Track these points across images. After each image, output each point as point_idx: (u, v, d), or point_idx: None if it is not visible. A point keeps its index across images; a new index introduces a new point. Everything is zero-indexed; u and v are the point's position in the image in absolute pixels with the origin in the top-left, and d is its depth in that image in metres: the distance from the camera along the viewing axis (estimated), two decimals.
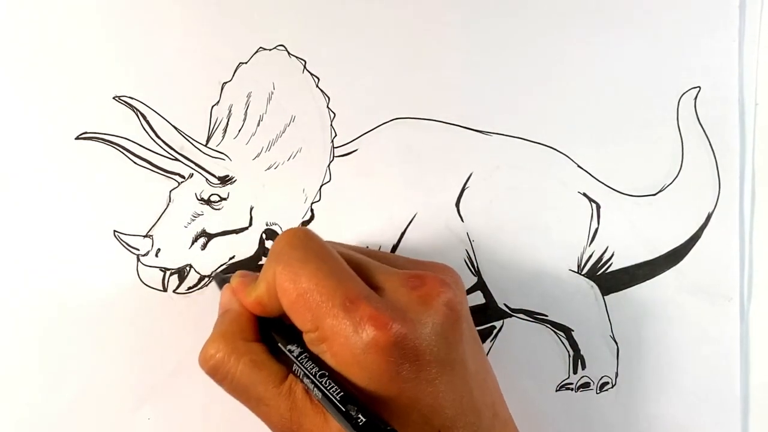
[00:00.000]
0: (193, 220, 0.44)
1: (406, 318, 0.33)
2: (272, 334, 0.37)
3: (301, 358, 0.34)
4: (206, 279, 0.44)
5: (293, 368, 0.34)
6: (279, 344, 0.36)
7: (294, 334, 0.35)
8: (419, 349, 0.32)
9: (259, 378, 0.35)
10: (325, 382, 0.32)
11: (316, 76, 0.45)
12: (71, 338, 0.43)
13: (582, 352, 0.47)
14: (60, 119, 0.43)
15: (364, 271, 0.36)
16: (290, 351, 0.35)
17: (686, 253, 0.48)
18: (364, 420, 0.29)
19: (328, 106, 0.45)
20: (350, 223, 0.45)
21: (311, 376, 0.33)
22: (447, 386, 0.33)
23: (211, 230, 0.44)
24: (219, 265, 0.44)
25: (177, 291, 0.44)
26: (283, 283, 0.34)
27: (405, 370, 0.32)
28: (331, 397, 0.31)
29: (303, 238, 0.35)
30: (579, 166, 0.47)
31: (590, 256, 0.48)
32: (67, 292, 0.43)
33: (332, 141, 0.45)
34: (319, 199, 0.45)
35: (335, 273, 0.34)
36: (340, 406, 0.30)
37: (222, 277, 0.44)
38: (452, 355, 0.34)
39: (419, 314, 0.33)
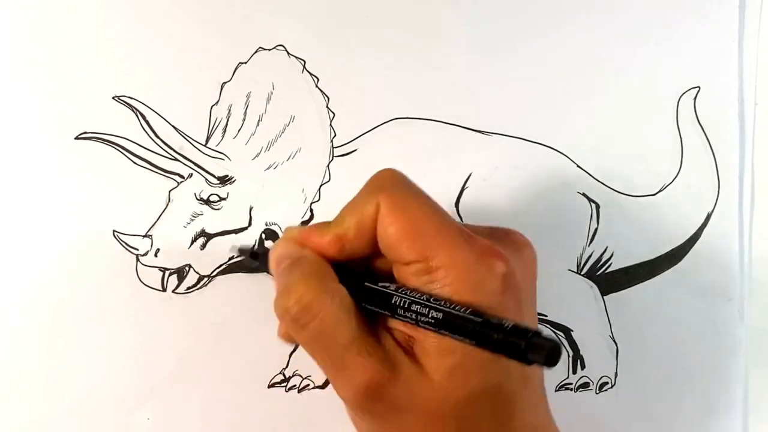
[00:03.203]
0: (193, 220, 0.44)
1: (511, 261, 0.32)
2: (353, 276, 0.34)
3: (403, 290, 0.31)
4: (205, 279, 0.44)
5: (393, 300, 0.31)
6: (366, 284, 0.33)
7: (369, 277, 0.33)
8: (520, 289, 0.32)
9: (353, 319, 0.32)
10: (444, 303, 0.30)
11: (316, 76, 0.45)
12: (71, 338, 0.43)
13: (582, 352, 0.47)
14: (60, 119, 0.43)
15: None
16: (385, 287, 0.32)
17: (686, 253, 0.48)
18: (511, 324, 0.27)
19: (327, 106, 0.45)
20: None
21: (423, 302, 0.30)
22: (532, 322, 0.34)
23: (210, 230, 0.44)
24: (218, 265, 0.44)
25: (176, 291, 0.44)
26: (391, 212, 0.32)
27: (511, 301, 0.32)
28: (457, 313, 0.29)
29: (404, 176, 0.34)
30: (579, 166, 0.47)
31: (590, 256, 0.48)
32: (66, 292, 0.43)
33: (332, 141, 0.45)
34: (319, 199, 0.45)
35: (441, 209, 0.33)
36: (473, 318, 0.28)
37: (248, 249, 0.43)
38: (532, 303, 0.35)
39: (512, 258, 0.33)
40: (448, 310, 0.29)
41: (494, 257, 0.31)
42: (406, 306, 0.31)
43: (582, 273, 0.48)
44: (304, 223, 0.45)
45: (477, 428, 0.32)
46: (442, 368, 0.31)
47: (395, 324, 0.32)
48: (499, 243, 0.33)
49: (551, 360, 0.26)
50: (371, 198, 0.33)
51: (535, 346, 0.27)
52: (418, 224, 0.32)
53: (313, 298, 0.32)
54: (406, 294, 0.31)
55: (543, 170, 0.47)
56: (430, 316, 0.30)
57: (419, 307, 0.30)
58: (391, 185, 0.34)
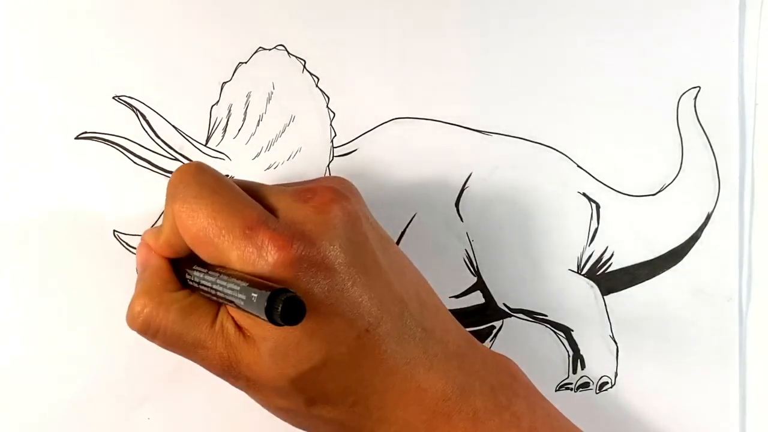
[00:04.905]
0: None
1: (305, 233, 0.33)
2: (181, 267, 0.37)
3: (207, 278, 0.34)
4: None
5: (204, 287, 0.34)
6: (186, 275, 0.36)
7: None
8: (327, 259, 0.33)
9: (191, 322, 0.35)
10: (228, 280, 0.32)
11: (316, 76, 0.45)
12: (71, 338, 0.43)
13: (581, 352, 0.47)
14: (60, 119, 0.43)
15: (258, 197, 0.36)
16: (191, 276, 0.35)
17: (686, 253, 0.48)
18: (272, 290, 0.28)
19: (327, 106, 0.45)
20: None
21: (214, 281, 0.33)
22: (363, 288, 0.33)
23: None
24: None
25: None
26: (181, 222, 0.34)
27: (317, 284, 0.32)
28: (233, 292, 0.31)
29: (195, 173, 0.35)
30: (579, 166, 0.47)
31: (590, 256, 0.48)
32: (66, 293, 0.43)
33: (332, 141, 0.45)
34: None
35: (231, 203, 0.34)
36: (247, 288, 0.30)
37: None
38: (361, 256, 0.34)
39: (317, 225, 0.33)
40: (223, 288, 0.32)
41: (276, 247, 0.32)
42: (214, 293, 0.33)
43: (582, 273, 0.48)
44: None
45: (325, 395, 0.34)
46: (265, 352, 0.33)
47: (232, 312, 0.34)
48: (300, 213, 0.34)
49: (289, 318, 0.28)
50: (168, 206, 0.35)
51: (273, 305, 0.28)
52: (206, 230, 0.33)
53: (149, 314, 0.35)
54: (208, 279, 0.34)
55: (543, 170, 0.47)
56: (216, 294, 0.33)
57: (211, 287, 0.33)
58: (180, 190, 0.35)
